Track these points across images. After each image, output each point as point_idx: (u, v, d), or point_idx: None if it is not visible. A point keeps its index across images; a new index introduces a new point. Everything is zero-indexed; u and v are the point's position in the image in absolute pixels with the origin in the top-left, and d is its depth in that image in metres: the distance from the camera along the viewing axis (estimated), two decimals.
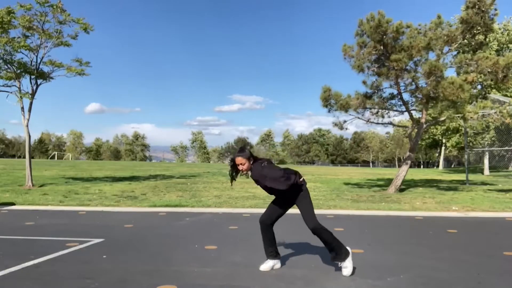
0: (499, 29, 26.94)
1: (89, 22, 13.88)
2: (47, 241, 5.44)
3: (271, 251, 4.12)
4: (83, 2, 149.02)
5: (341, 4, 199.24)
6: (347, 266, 3.88)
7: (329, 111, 13.00)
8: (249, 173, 4.04)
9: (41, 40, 13.51)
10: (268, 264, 4.10)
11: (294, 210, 8.78)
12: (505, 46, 27.38)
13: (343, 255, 3.90)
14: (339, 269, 4.05)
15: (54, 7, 13.19)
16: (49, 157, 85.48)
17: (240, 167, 4.01)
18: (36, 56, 13.61)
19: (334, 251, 3.93)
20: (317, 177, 20.59)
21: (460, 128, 27.87)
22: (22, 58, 13.46)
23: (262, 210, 8.69)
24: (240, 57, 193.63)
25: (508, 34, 27.49)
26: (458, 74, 13.13)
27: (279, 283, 3.64)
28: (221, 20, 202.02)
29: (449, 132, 31.50)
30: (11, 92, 13.53)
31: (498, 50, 26.51)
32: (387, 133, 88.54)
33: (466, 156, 18.92)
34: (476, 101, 13.77)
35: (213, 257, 4.58)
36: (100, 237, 5.66)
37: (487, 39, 12.90)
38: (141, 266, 4.20)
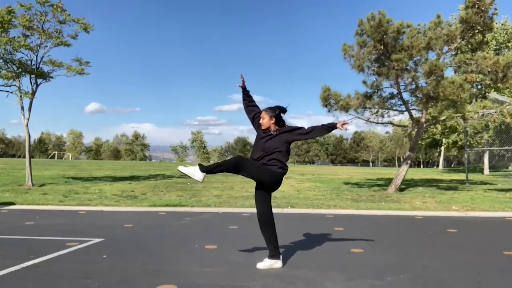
0: (498, 28, 26.90)
1: (89, 22, 13.88)
2: (47, 241, 5.44)
3: (272, 248, 4.12)
4: (83, 2, 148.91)
5: (341, 3, 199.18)
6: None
7: (329, 111, 13.00)
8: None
9: (41, 40, 13.49)
10: (265, 263, 4.10)
11: (293, 210, 8.76)
12: (503, 45, 27.35)
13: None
14: (339, 269, 4.05)
15: (54, 6, 13.17)
16: (49, 157, 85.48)
17: (261, 121, 4.28)
18: (36, 56, 13.60)
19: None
20: (317, 177, 20.59)
21: (458, 127, 27.89)
22: (22, 58, 13.47)
23: None
24: (240, 57, 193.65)
25: (506, 33, 27.45)
26: (456, 72, 13.13)
27: (279, 283, 3.64)
28: (221, 20, 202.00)
29: (447, 131, 31.54)
30: (11, 92, 13.53)
31: (496, 49, 26.48)
32: (387, 132, 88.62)
33: (466, 156, 18.91)
34: (476, 101, 13.78)
35: (213, 257, 4.58)
36: (100, 237, 5.65)
37: (485, 39, 12.86)
38: (141, 266, 4.20)
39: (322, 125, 4.30)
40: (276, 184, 4.15)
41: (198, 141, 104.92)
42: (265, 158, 4.11)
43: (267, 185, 4.14)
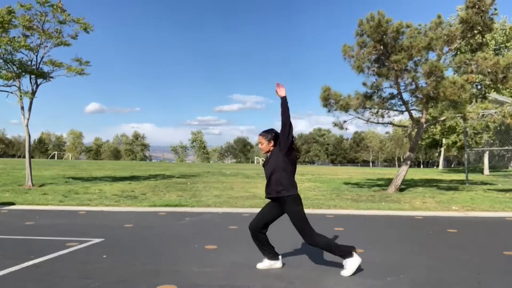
0: (497, 28, 26.87)
1: (89, 22, 13.88)
2: (47, 241, 5.44)
3: (267, 252, 4.09)
4: (83, 2, 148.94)
5: (341, 4, 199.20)
6: (347, 268, 3.85)
7: (329, 111, 13.01)
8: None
9: (41, 40, 13.50)
10: (265, 263, 4.08)
11: None
12: (503, 45, 27.35)
13: (346, 253, 3.88)
14: (339, 269, 4.05)
15: (54, 7, 13.17)
16: (49, 157, 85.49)
17: (260, 146, 4.13)
18: (36, 56, 13.61)
19: (337, 253, 3.92)
20: (317, 177, 20.59)
21: (458, 127, 27.89)
22: (22, 58, 13.47)
23: None
24: (240, 57, 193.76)
25: (505, 34, 27.45)
26: (456, 73, 13.14)
27: (279, 283, 3.64)
28: (221, 20, 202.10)
29: (446, 131, 31.58)
30: (11, 92, 13.52)
31: (495, 49, 26.47)
32: (387, 133, 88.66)
33: (466, 156, 18.93)
34: (476, 101, 13.78)
35: (213, 257, 4.58)
36: (100, 237, 5.66)
37: (485, 39, 12.86)
38: (141, 266, 4.20)
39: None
40: (300, 201, 4.00)
41: (198, 141, 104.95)
42: (271, 184, 3.96)
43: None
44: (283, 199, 3.90)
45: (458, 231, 6.32)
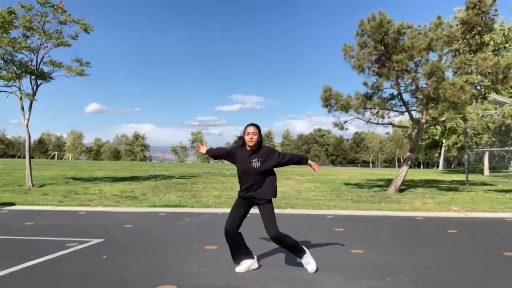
0: (495, 29, 26.85)
1: (89, 22, 13.88)
2: (47, 241, 5.44)
3: (245, 253, 4.07)
4: (84, 2, 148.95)
5: (341, 4, 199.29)
6: (309, 262, 3.97)
7: (329, 111, 13.01)
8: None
9: (41, 40, 13.50)
10: (245, 265, 4.03)
11: (293, 211, 8.74)
12: (502, 46, 27.35)
13: (302, 252, 4.00)
14: (339, 269, 4.05)
15: (55, 7, 13.18)
16: (49, 157, 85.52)
17: (250, 136, 3.89)
18: (37, 56, 13.61)
19: (296, 252, 4.02)
20: (317, 177, 20.59)
21: (458, 128, 27.89)
22: (22, 59, 13.47)
23: None
24: (240, 57, 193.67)
25: (503, 35, 27.45)
26: (454, 74, 13.14)
27: (279, 283, 3.64)
28: (221, 20, 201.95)
29: (447, 132, 31.61)
30: (11, 92, 13.53)
31: (494, 50, 26.46)
32: (387, 133, 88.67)
33: (466, 157, 18.93)
34: (476, 102, 13.79)
35: (213, 257, 4.59)
36: (100, 237, 5.66)
37: (483, 40, 12.84)
38: (141, 266, 4.20)
39: None
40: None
41: (198, 141, 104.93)
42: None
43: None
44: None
45: (458, 232, 6.32)
